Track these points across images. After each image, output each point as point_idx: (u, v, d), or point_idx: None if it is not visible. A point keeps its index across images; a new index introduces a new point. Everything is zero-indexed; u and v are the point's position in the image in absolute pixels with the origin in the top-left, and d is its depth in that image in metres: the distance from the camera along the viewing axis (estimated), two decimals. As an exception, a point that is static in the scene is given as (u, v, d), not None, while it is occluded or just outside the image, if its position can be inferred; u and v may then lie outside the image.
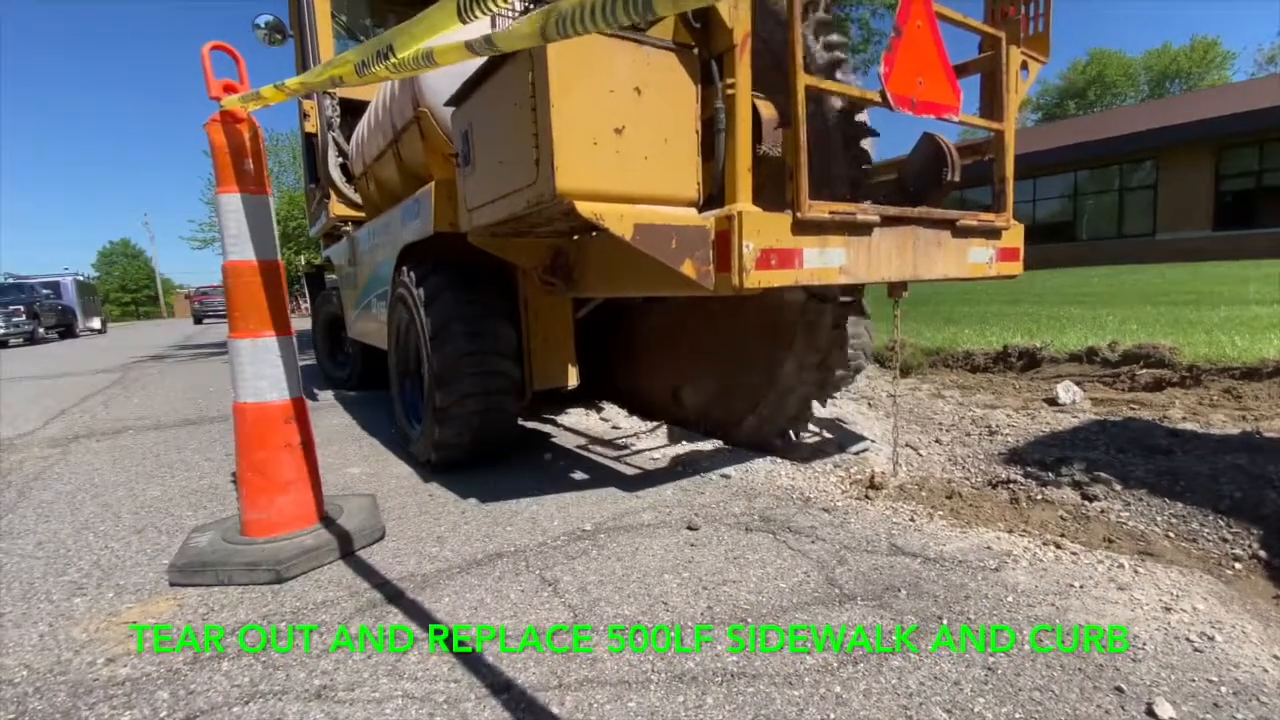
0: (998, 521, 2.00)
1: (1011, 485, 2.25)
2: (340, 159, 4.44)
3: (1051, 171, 18.72)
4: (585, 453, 3.01)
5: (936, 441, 2.87)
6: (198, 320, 27.85)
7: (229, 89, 1.79)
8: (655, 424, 3.41)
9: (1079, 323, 5.34)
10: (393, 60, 1.16)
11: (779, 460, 2.67)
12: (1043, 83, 48.63)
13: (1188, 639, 1.31)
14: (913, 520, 2.00)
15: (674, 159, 1.76)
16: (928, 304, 8.18)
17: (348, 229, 4.55)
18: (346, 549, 1.90)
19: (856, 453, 2.78)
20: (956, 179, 2.22)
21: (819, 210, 1.80)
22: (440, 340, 2.54)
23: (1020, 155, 18.64)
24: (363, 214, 4.26)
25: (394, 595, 1.64)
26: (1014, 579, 1.58)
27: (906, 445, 2.85)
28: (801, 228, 1.78)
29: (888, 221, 1.99)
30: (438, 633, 1.44)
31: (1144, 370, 3.64)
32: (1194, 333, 4.39)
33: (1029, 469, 2.38)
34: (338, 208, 4.56)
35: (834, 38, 2.14)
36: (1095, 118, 24.09)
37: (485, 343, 2.57)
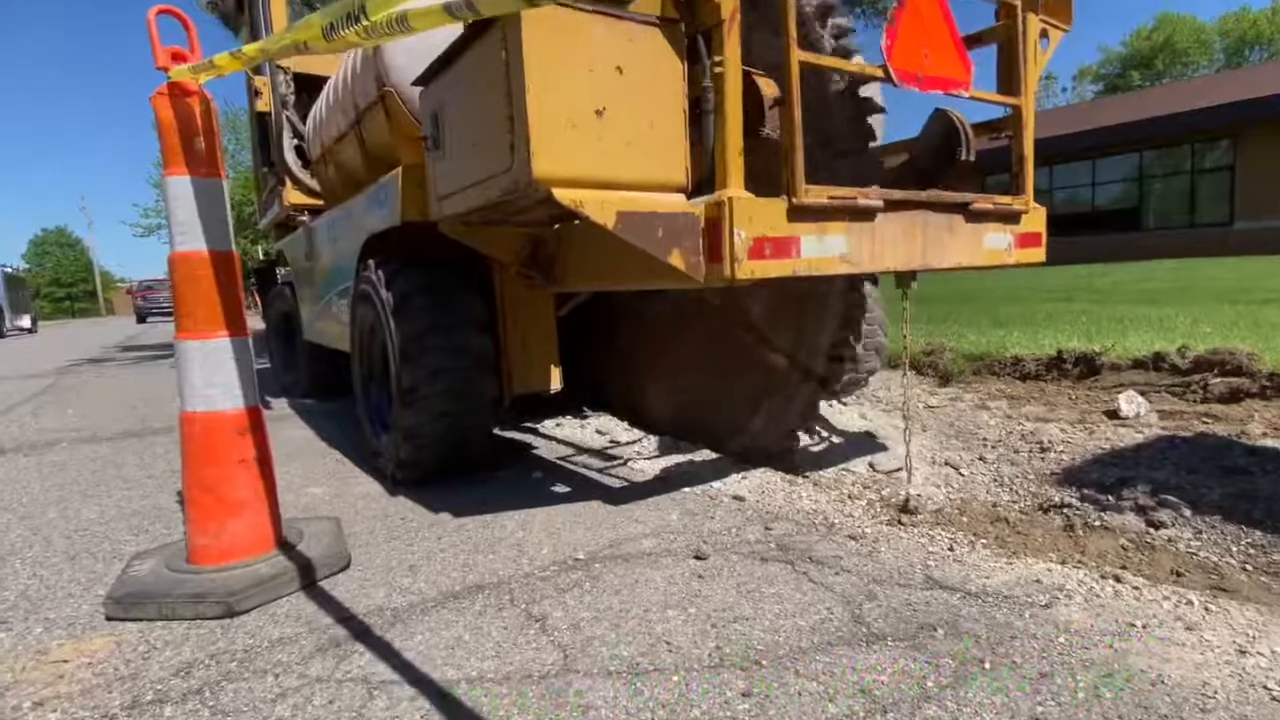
0: (1049, 551, 1.99)
1: (1066, 510, 2.25)
2: (295, 141, 4.48)
3: (1113, 151, 18.72)
4: (576, 468, 3.02)
5: (980, 459, 2.87)
6: (141, 319, 28.00)
7: (178, 58, 1.81)
8: (651, 435, 3.42)
9: (1144, 324, 5.33)
10: (365, 23, 1.18)
11: (798, 480, 2.67)
12: (1104, 50, 48.69)
13: (1265, 686, 1.30)
14: (952, 549, 2.00)
15: (660, 142, 1.81)
16: (971, 303, 8.18)
17: (304, 219, 4.58)
18: (307, 579, 1.91)
19: (888, 472, 2.78)
20: (971, 158, 2.28)
21: (817, 195, 1.86)
22: (404, 316, 2.60)
23: (1079, 133, 18.72)
24: (321, 202, 4.30)
25: (360, 632, 1.64)
26: (1067, 617, 1.58)
27: (946, 464, 2.84)
28: (798, 214, 1.84)
29: (893, 206, 2.04)
30: (409, 676, 1.44)
31: (1219, 379, 3.63)
32: (1276, 336, 4.38)
33: (1086, 491, 2.38)
34: (293, 195, 4.59)
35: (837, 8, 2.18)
36: (1163, 90, 24.11)
37: (452, 315, 2.64)
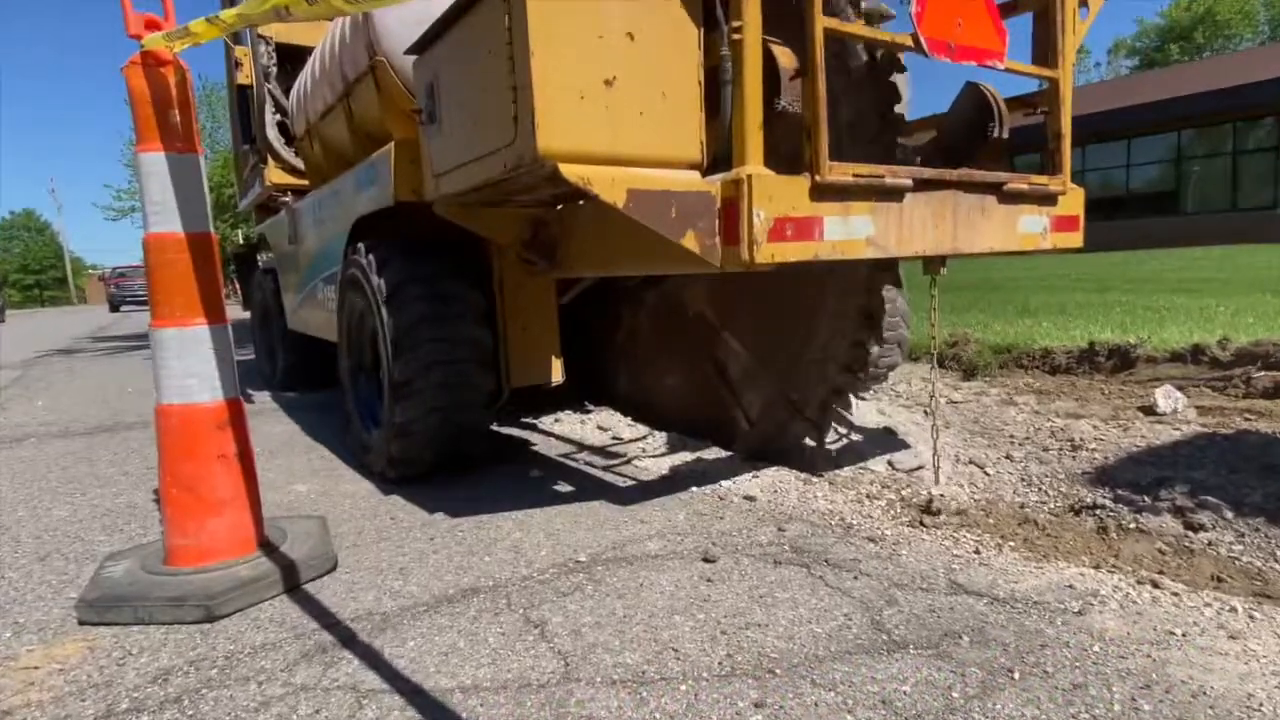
0: (1082, 555, 1.99)
1: (1099, 511, 2.24)
2: (278, 116, 4.47)
3: (1149, 130, 18.62)
4: (577, 466, 3.02)
5: (1007, 458, 2.86)
6: (114, 307, 28.07)
7: (151, 25, 1.80)
8: (658, 431, 3.42)
9: (1182, 315, 5.31)
10: None
11: (813, 479, 2.67)
12: (1141, 22, 48.32)
13: (1315, 699, 1.30)
14: (978, 552, 1.99)
15: (673, 114, 1.80)
16: (998, 291, 8.15)
17: (287, 200, 4.58)
18: (291, 582, 1.91)
19: (909, 470, 2.77)
20: (1005, 135, 2.26)
21: (841, 172, 1.85)
22: (396, 305, 2.60)
23: (1113, 111, 18.60)
24: (305, 182, 4.29)
25: (348, 638, 1.64)
26: (1101, 624, 1.57)
27: (971, 462, 2.84)
28: (821, 193, 1.82)
29: (922, 185, 2.03)
30: (400, 684, 1.44)
31: (1262, 373, 3.61)
32: (1324, 327, 4.35)
33: (1120, 492, 2.37)
34: (275, 174, 4.58)
35: None
36: (1204, 64, 23.94)
37: (448, 306, 2.63)
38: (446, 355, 2.59)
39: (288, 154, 4.45)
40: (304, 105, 3.69)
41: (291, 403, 4.91)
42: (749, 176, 1.71)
